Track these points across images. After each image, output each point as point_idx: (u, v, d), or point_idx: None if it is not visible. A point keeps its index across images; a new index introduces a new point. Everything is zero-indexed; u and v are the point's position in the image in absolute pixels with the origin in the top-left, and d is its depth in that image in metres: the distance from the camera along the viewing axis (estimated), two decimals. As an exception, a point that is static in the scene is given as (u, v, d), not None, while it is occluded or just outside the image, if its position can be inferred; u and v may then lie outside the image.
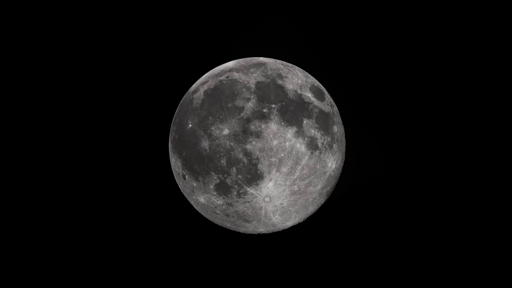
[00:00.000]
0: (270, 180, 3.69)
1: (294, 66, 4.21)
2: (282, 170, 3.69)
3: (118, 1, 5.00)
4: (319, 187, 3.95)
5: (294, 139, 3.71)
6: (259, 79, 3.86)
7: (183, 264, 4.83)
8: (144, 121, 5.07)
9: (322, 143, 3.86)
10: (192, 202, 4.20)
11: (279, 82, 3.88)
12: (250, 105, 3.71)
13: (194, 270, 4.81)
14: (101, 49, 5.04)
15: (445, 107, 5.00)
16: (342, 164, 4.22)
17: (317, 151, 3.82)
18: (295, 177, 3.76)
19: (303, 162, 3.75)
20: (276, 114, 3.70)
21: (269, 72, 3.94)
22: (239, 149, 3.65)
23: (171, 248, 4.88)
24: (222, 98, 3.79)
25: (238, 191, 3.75)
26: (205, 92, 3.94)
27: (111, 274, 4.78)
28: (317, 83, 4.16)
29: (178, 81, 4.86)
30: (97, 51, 5.04)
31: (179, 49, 5.13)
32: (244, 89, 3.79)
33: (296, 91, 3.87)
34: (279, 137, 3.67)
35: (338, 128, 4.08)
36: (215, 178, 3.76)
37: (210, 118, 3.75)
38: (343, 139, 4.19)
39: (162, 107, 4.91)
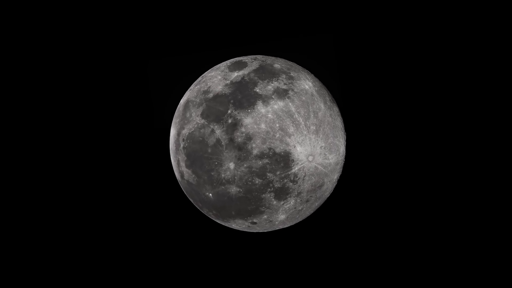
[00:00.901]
0: (294, 147, 3.69)
1: (203, 75, 4.21)
2: (291, 131, 3.69)
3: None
4: (322, 106, 3.93)
5: (269, 107, 3.70)
6: (199, 113, 3.87)
7: (185, 264, 4.86)
8: (144, 121, 5.14)
9: (285, 83, 3.85)
10: (279, 227, 4.23)
11: (210, 95, 3.88)
12: (218, 132, 3.72)
13: (195, 271, 4.83)
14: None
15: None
16: (312, 74, 4.20)
17: (290, 91, 3.81)
18: (302, 123, 3.76)
19: (293, 109, 3.74)
20: (238, 112, 3.70)
21: (197, 100, 3.95)
22: (253, 161, 3.66)
23: (172, 249, 4.92)
24: (201, 153, 3.81)
25: (290, 180, 3.76)
26: (187, 166, 3.96)
27: (114, 276, 4.82)
28: (227, 63, 4.16)
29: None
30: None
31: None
32: (202, 130, 3.80)
33: (226, 85, 3.87)
34: (260, 119, 3.67)
35: (277, 62, 4.06)
36: (268, 195, 3.77)
37: (212, 174, 3.77)
38: (290, 62, 4.18)
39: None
